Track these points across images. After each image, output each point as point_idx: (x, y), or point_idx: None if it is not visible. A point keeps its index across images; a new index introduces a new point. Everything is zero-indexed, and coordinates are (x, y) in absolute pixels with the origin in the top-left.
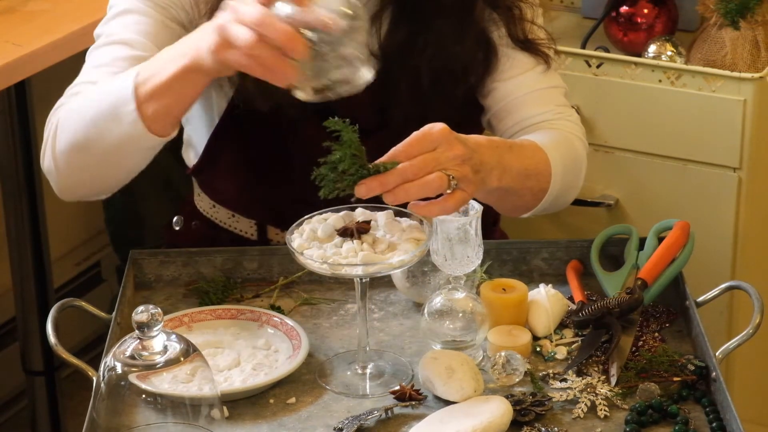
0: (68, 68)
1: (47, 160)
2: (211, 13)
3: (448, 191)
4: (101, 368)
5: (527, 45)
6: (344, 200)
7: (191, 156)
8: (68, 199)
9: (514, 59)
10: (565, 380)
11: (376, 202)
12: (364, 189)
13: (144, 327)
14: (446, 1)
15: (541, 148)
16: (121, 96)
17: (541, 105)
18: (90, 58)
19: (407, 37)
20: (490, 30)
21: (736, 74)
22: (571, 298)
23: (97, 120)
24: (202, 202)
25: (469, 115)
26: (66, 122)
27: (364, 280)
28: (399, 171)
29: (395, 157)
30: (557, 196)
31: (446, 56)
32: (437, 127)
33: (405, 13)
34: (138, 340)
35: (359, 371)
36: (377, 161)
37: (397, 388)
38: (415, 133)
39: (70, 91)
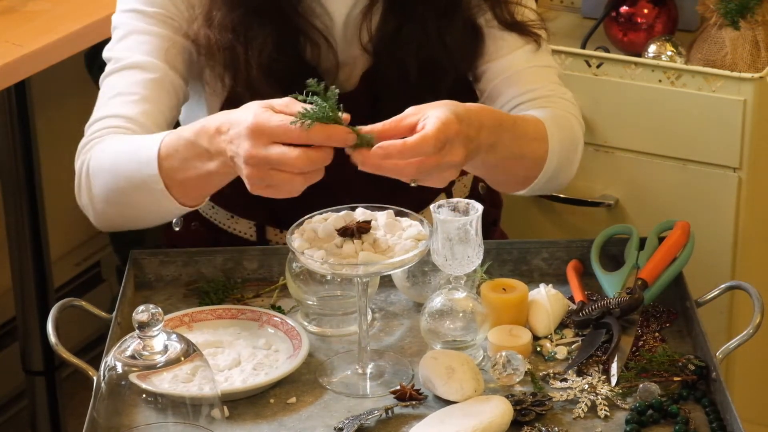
0: (68, 68)
1: (84, 199)
2: (204, 17)
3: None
4: (101, 368)
5: (516, 26)
6: (343, 200)
7: None
8: (106, 230)
9: (503, 40)
10: (565, 380)
11: (376, 202)
12: (360, 159)
13: (144, 327)
14: None
15: (543, 126)
16: (149, 176)
17: (534, 82)
18: (104, 85)
19: (396, 29)
20: (477, 15)
21: (736, 74)
22: (571, 298)
23: (129, 189)
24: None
25: None
26: (99, 174)
27: (364, 280)
28: (396, 169)
29: (415, 144)
30: (551, 177)
31: (433, 48)
32: (453, 129)
33: (395, 5)
34: (138, 340)
35: (359, 371)
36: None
37: (398, 388)
38: (433, 130)
39: (92, 128)
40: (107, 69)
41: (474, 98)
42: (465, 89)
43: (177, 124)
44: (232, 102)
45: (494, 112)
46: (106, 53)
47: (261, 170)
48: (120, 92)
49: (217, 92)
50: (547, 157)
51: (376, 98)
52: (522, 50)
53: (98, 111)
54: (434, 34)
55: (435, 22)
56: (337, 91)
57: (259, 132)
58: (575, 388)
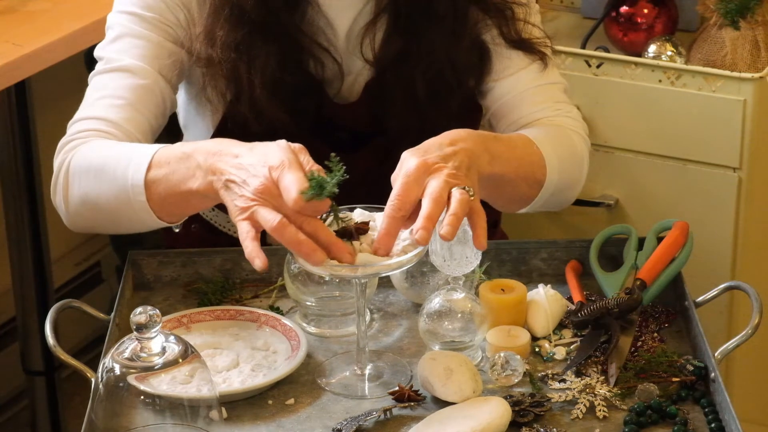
0: (68, 68)
1: (58, 198)
2: (205, 36)
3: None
4: (100, 369)
5: (522, 44)
6: (344, 202)
7: None
8: (77, 231)
9: (509, 58)
10: (563, 381)
11: (375, 203)
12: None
13: (142, 328)
14: (440, 11)
15: (530, 140)
16: (134, 186)
17: (539, 102)
18: (92, 84)
19: (401, 47)
20: (483, 33)
21: (736, 74)
22: (570, 299)
23: (109, 195)
24: None
25: (466, 121)
26: (78, 175)
27: (362, 281)
28: (452, 221)
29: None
30: (556, 190)
31: (441, 66)
32: (411, 167)
33: (399, 23)
34: (136, 342)
35: (358, 372)
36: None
37: (396, 389)
38: (400, 183)
39: (75, 126)
40: (97, 67)
41: (479, 113)
42: (471, 106)
43: (167, 133)
44: (231, 117)
45: (469, 130)
46: (98, 52)
47: (258, 198)
48: (107, 94)
49: (219, 109)
50: (546, 168)
51: (378, 114)
52: (527, 70)
53: (83, 110)
54: (441, 53)
55: (442, 41)
56: (346, 176)
57: (278, 172)
58: (574, 389)
